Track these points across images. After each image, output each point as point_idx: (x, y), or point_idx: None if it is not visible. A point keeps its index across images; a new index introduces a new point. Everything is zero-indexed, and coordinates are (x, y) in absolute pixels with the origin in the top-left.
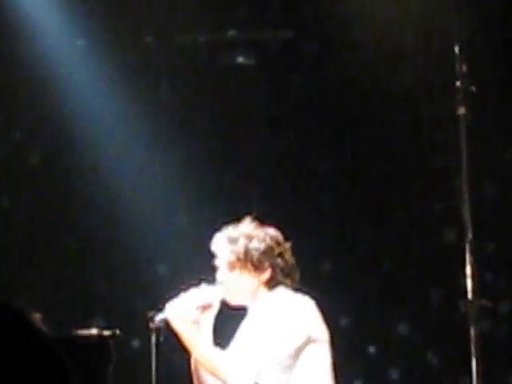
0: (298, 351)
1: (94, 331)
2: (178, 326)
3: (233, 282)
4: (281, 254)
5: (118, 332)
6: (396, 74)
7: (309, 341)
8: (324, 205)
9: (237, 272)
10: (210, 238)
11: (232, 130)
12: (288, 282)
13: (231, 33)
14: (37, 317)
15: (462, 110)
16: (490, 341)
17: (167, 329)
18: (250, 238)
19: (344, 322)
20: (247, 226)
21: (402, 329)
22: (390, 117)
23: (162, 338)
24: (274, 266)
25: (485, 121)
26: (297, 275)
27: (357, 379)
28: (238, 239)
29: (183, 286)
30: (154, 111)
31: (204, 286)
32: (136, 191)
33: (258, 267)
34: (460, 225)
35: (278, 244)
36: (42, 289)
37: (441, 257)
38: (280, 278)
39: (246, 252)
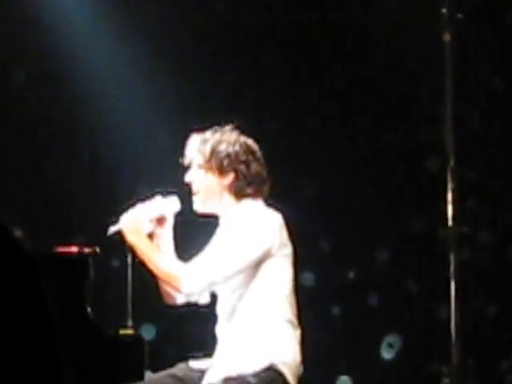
0: (256, 263)
1: (73, 248)
2: (130, 237)
3: (198, 184)
4: (246, 162)
5: (97, 249)
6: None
7: (269, 255)
8: (310, 133)
9: (202, 173)
10: None
11: (218, 45)
12: (250, 191)
13: None
14: (17, 234)
15: (447, 37)
16: (469, 268)
17: (121, 241)
18: (219, 141)
19: (324, 245)
20: (223, 130)
21: (382, 255)
22: (374, 43)
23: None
24: (237, 172)
25: (470, 48)
26: (264, 187)
27: (335, 304)
28: (208, 141)
29: (139, 198)
30: (139, 26)
31: (158, 198)
32: (118, 111)
33: (221, 170)
34: (442, 152)
35: (246, 152)
36: (23, 207)
37: (423, 184)
38: (242, 185)
39: (212, 153)
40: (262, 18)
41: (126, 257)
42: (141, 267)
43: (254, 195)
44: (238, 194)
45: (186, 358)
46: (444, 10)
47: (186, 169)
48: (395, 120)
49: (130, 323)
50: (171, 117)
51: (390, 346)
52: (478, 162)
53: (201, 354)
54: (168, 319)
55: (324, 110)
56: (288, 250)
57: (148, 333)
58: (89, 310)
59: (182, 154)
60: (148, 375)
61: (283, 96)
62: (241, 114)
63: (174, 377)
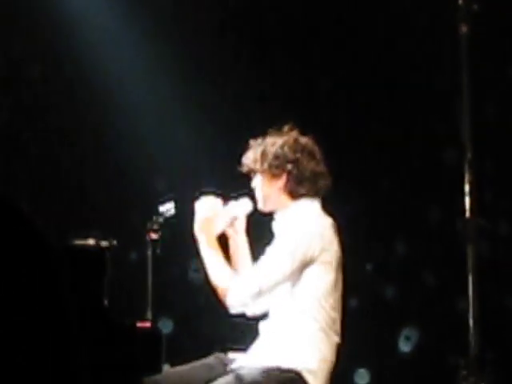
0: (298, 270)
1: (91, 241)
2: (199, 233)
3: (257, 189)
4: (296, 161)
5: (114, 243)
6: None
7: (310, 262)
8: (324, 124)
9: (259, 178)
10: (210, 153)
11: (233, 43)
12: (304, 190)
13: None
14: None
15: (463, 29)
16: (487, 261)
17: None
18: (269, 144)
19: (341, 238)
20: (278, 133)
21: (400, 247)
22: (390, 34)
23: (158, 251)
24: (288, 173)
25: (487, 40)
26: (319, 183)
27: (352, 296)
28: (259, 146)
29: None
30: (159, 25)
31: (231, 203)
32: (137, 106)
33: (273, 173)
34: (460, 144)
35: (296, 150)
36: (41, 200)
37: (440, 175)
38: (294, 184)
39: (262, 157)
40: (275, 19)
41: (146, 250)
42: (159, 261)
43: (309, 194)
44: (293, 194)
45: (223, 350)
46: (460, 2)
47: (248, 175)
48: (412, 112)
49: (149, 316)
50: (189, 115)
51: (408, 338)
52: (495, 154)
53: (240, 347)
54: (185, 313)
55: (341, 101)
56: (329, 256)
57: (165, 327)
58: (106, 302)
59: (201, 150)
60: (166, 368)
61: (298, 92)
62: (254, 117)
63: (205, 365)
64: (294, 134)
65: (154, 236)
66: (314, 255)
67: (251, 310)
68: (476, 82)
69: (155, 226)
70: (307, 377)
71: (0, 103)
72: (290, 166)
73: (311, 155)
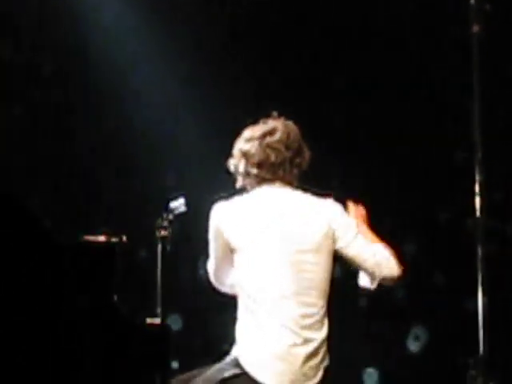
0: (225, 251)
1: (101, 237)
2: None
3: None
4: (245, 154)
5: (124, 239)
6: None
7: (227, 243)
8: (335, 124)
9: None
10: (220, 148)
11: (239, 44)
12: (254, 182)
13: None
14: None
15: (475, 29)
16: (497, 261)
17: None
18: (237, 141)
19: None
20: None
21: (410, 248)
22: (401, 35)
23: (168, 247)
24: (235, 168)
25: (498, 40)
26: (266, 173)
27: (362, 298)
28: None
29: None
30: (165, 25)
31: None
32: (146, 102)
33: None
34: (470, 144)
35: (248, 140)
36: (52, 197)
37: (450, 176)
38: (246, 180)
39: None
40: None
41: (156, 247)
42: (169, 258)
43: (259, 184)
44: (246, 190)
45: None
46: (472, 1)
47: None
48: (422, 112)
49: (158, 313)
50: (200, 113)
51: (417, 338)
52: (506, 154)
53: None
54: (195, 310)
55: (351, 101)
56: (245, 239)
57: (175, 324)
58: (115, 298)
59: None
60: (175, 366)
61: (307, 89)
62: (264, 107)
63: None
64: (264, 124)
65: (163, 233)
66: (224, 237)
67: (227, 291)
68: (487, 83)
69: (165, 223)
70: (245, 366)
71: (15, 101)
72: (240, 161)
73: (263, 144)
